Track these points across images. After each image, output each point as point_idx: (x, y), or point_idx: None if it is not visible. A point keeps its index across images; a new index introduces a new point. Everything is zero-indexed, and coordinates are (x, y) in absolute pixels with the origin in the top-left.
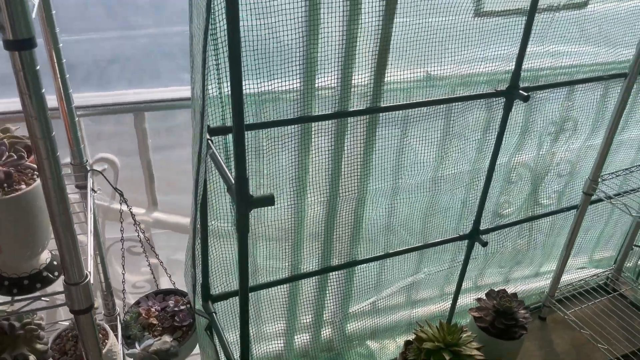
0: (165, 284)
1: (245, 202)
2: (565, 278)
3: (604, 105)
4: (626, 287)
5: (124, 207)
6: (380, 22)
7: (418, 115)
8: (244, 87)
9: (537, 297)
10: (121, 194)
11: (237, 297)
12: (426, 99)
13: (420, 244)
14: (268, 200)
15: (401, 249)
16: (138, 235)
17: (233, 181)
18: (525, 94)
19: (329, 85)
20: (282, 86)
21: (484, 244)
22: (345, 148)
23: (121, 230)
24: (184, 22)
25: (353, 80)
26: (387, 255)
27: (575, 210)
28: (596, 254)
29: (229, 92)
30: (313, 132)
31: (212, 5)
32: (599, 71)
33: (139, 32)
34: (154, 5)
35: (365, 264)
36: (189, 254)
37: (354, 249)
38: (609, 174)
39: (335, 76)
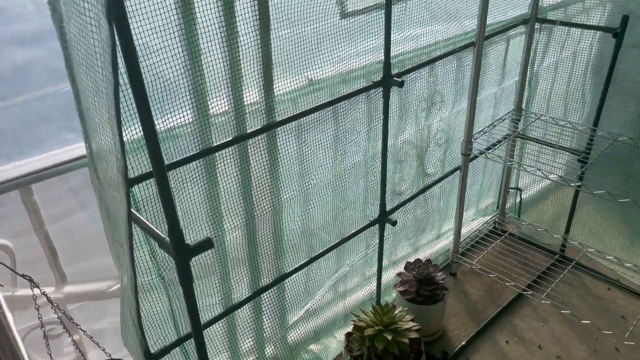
0: (92, 357)
1: (185, 253)
2: (462, 232)
3: (462, 74)
4: (512, 226)
5: (36, 291)
6: (258, 39)
7: (310, 121)
8: (136, 132)
9: (443, 257)
10: (30, 280)
11: (177, 349)
12: (314, 105)
13: (338, 240)
14: (207, 245)
15: (323, 249)
16: (58, 317)
17: (163, 235)
18: (399, 80)
19: (223, 111)
20: (176, 123)
21: (394, 223)
22: (251, 168)
23: (39, 318)
24: (57, 81)
25: (245, 101)
26: (312, 260)
27: (458, 171)
28: (481, 203)
29: (127, 140)
30: (217, 160)
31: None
32: (452, 45)
33: (7, 102)
34: (18, 72)
35: (294, 274)
36: (129, 320)
37: (280, 264)
38: (477, 132)
39: (227, 101)
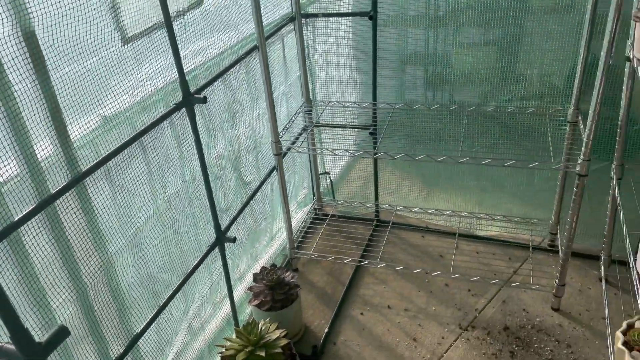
0: None
1: (39, 354)
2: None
3: (252, 78)
4: (330, 208)
5: None
6: (36, 84)
7: (118, 161)
8: None
9: (282, 256)
10: None
11: None
12: (119, 144)
13: (183, 277)
14: (62, 334)
15: (170, 293)
16: None
17: (2, 342)
18: (202, 96)
19: (14, 175)
20: None
21: (233, 240)
22: (67, 231)
23: None
24: None
25: (38, 157)
26: (162, 309)
27: (274, 171)
28: (299, 195)
29: None
30: (22, 236)
31: None
32: (236, 52)
33: None
34: None
35: (146, 331)
36: None
37: (127, 325)
38: (281, 131)
39: (17, 162)
